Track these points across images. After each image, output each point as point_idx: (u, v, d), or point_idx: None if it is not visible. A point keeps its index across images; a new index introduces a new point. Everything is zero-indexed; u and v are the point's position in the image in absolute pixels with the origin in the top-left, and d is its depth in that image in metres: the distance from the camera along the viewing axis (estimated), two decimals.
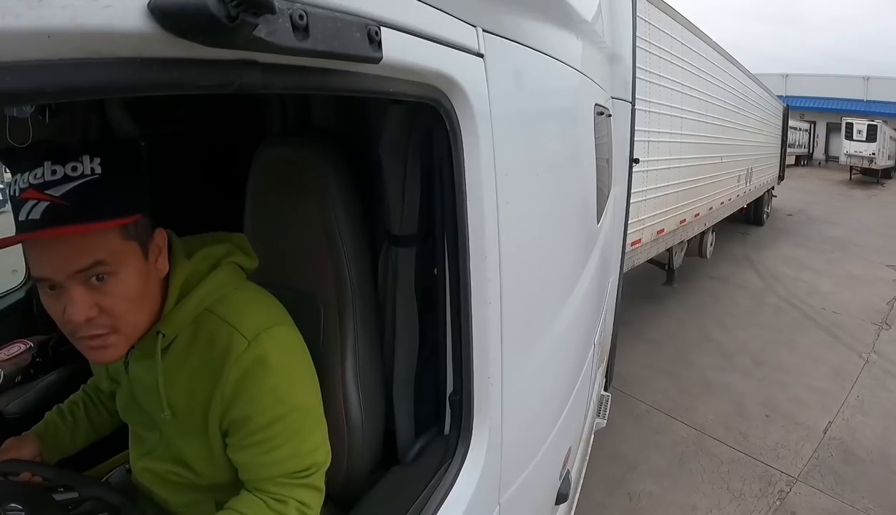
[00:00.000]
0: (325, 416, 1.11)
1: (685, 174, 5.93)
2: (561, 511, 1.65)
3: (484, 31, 0.81)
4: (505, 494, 1.02)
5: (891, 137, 21.24)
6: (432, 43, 0.68)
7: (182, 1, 0.35)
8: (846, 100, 24.25)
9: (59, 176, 0.68)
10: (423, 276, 1.04)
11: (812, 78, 23.52)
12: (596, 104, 1.89)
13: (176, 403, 0.87)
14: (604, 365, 3.01)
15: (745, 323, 5.28)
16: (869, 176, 21.23)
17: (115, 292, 0.74)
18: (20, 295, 2.10)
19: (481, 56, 0.81)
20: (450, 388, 0.95)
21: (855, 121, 20.93)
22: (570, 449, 1.61)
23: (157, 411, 0.88)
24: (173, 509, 0.97)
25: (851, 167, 21.18)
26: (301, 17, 0.42)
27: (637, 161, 3.58)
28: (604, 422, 2.81)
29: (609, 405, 2.97)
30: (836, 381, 4.23)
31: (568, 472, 1.57)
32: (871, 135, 20.19)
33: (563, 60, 1.35)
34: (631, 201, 3.44)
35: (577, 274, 1.58)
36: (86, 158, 0.70)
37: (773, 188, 11.79)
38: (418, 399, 1.08)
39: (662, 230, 5.34)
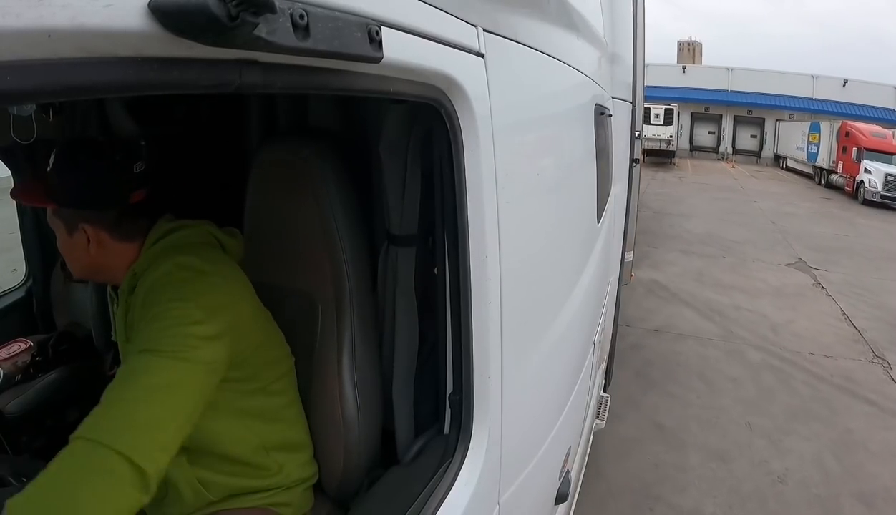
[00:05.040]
0: (322, 414, 1.12)
1: None
2: (561, 511, 1.65)
3: (485, 30, 0.81)
4: (504, 494, 1.01)
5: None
6: (433, 42, 0.68)
7: (182, 0, 0.35)
8: None
9: None
10: (422, 276, 1.04)
11: None
12: (596, 104, 1.89)
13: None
14: (603, 365, 3.01)
15: (774, 414, 4.03)
16: (661, 157, 22.21)
17: None
18: (20, 294, 2.10)
19: (482, 56, 0.81)
20: (449, 388, 0.95)
21: (652, 105, 21.72)
22: (569, 449, 1.61)
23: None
24: None
25: (645, 150, 22.33)
26: (301, 16, 0.42)
27: (637, 161, 3.59)
28: (603, 424, 2.81)
29: (609, 406, 2.97)
30: None
31: (567, 472, 1.57)
32: (669, 119, 21.37)
33: (564, 60, 1.35)
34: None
35: (578, 273, 1.58)
36: None
37: None
38: (418, 398, 1.09)
39: None
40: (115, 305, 1.11)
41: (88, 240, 0.98)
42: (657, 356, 4.91)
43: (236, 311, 0.95)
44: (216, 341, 0.88)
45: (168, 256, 0.96)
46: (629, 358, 4.74)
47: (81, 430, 0.75)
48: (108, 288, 1.15)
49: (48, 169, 0.95)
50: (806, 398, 4.34)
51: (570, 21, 1.47)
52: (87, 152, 0.97)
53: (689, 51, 36.90)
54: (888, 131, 17.39)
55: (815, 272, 7.71)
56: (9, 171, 1.90)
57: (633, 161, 3.42)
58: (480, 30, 0.80)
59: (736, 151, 27.03)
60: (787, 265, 8.05)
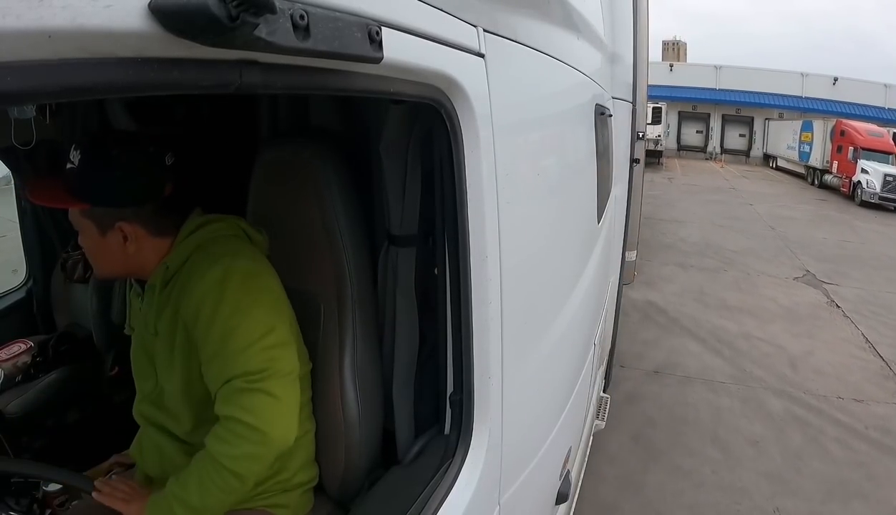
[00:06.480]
0: (323, 414, 1.12)
1: None
2: (561, 511, 1.65)
3: (485, 31, 0.81)
4: (505, 494, 1.02)
5: None
6: (433, 43, 0.68)
7: (183, 1, 0.35)
8: None
9: None
10: (422, 276, 1.04)
11: None
12: (596, 104, 1.90)
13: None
14: (603, 365, 3.01)
15: (806, 492, 3.22)
16: (649, 157, 21.72)
17: None
18: (20, 294, 2.10)
19: (482, 56, 0.81)
20: (450, 388, 0.95)
21: None
22: (570, 449, 1.61)
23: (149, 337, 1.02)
24: (147, 447, 1.11)
25: None
26: (302, 17, 0.42)
27: (637, 161, 3.59)
28: (602, 424, 2.81)
29: (608, 406, 2.96)
30: None
31: (568, 472, 1.57)
32: (657, 118, 20.31)
33: (564, 60, 1.35)
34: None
35: (578, 273, 1.58)
36: None
37: None
38: (418, 399, 1.09)
39: None
40: (131, 294, 1.11)
41: (125, 239, 0.95)
42: (660, 411, 3.97)
43: (287, 305, 1.02)
44: (290, 346, 0.97)
45: (213, 258, 0.95)
46: (625, 416, 3.76)
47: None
48: (130, 280, 1.13)
49: (70, 166, 0.89)
50: (841, 462, 3.56)
51: (571, 21, 1.47)
52: (120, 145, 0.94)
53: (673, 50, 36.70)
54: (885, 130, 17.06)
55: (826, 287, 7.09)
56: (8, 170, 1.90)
57: (633, 161, 3.43)
58: (480, 30, 0.80)
59: (724, 150, 26.75)
60: (796, 279, 7.39)
